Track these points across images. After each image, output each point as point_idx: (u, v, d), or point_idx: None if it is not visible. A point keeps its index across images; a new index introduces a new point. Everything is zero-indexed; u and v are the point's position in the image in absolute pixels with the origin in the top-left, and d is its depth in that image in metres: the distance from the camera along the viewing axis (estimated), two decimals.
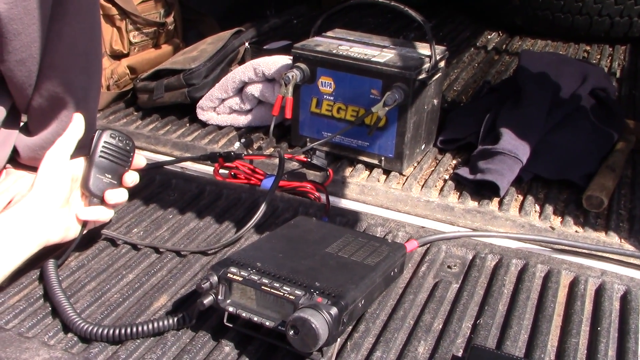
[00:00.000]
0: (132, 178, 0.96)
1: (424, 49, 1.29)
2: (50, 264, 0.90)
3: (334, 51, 1.27)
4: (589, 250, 1.04)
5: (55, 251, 0.93)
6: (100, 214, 0.93)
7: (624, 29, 2.07)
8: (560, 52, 2.05)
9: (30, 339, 0.80)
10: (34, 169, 1.13)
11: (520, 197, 1.20)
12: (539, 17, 2.13)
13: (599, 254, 1.03)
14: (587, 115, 1.37)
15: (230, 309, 0.78)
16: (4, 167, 1.12)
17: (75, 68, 1.04)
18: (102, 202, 0.93)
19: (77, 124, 0.94)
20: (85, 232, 0.94)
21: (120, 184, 0.95)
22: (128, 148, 0.95)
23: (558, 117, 1.34)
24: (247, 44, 1.58)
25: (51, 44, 0.99)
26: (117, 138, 0.94)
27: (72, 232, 0.92)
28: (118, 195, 0.94)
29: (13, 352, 0.77)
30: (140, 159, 0.99)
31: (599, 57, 2.01)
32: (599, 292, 0.93)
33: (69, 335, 0.81)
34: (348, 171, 1.28)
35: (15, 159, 1.13)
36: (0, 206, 1.07)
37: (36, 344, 0.79)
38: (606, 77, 1.59)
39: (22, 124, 1.14)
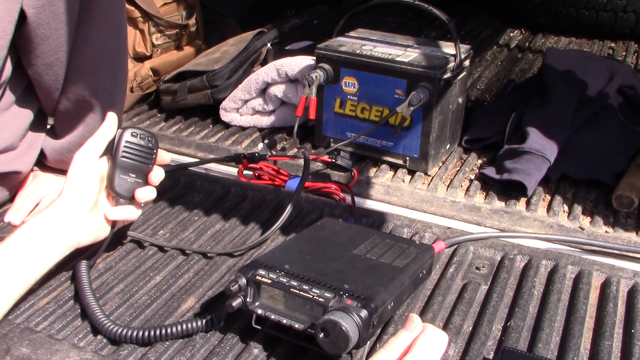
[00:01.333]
0: (158, 176, 0.95)
1: (448, 47, 1.28)
2: (83, 266, 0.90)
3: (358, 51, 1.26)
4: (620, 251, 1.02)
5: (86, 251, 0.93)
6: (129, 213, 0.93)
7: None
8: (585, 50, 2.03)
9: (60, 340, 0.80)
10: (60, 171, 1.14)
11: (548, 197, 1.18)
12: (563, 14, 2.10)
13: (631, 254, 1.02)
14: (615, 114, 1.35)
15: (259, 311, 0.78)
16: (32, 170, 1.14)
17: (101, 71, 1.05)
18: (130, 201, 0.93)
19: (109, 125, 0.91)
20: (114, 231, 0.94)
21: (145, 182, 0.94)
22: (151, 145, 0.93)
23: (586, 116, 1.32)
24: (269, 44, 1.58)
25: (78, 48, 1.00)
26: (138, 136, 0.92)
27: (103, 232, 0.92)
28: (147, 194, 0.93)
29: (44, 354, 0.78)
30: (165, 154, 0.98)
31: (624, 54, 1.98)
32: (632, 293, 0.91)
33: (99, 337, 0.81)
34: (372, 171, 1.27)
35: (42, 162, 1.15)
36: (28, 209, 1.08)
37: (66, 346, 0.79)
38: (634, 74, 1.56)
39: (48, 127, 1.16)
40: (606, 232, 1.08)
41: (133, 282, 0.93)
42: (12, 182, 1.09)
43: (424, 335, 0.68)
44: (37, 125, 1.10)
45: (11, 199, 1.11)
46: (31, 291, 0.89)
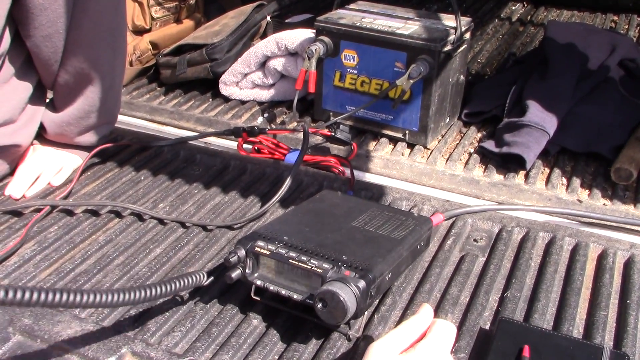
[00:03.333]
0: None
1: (448, 20, 1.27)
2: None
3: (358, 24, 1.25)
4: (617, 223, 1.03)
5: None
6: None
7: None
8: (587, 23, 2.01)
9: (62, 312, 0.81)
10: (60, 144, 1.15)
11: (547, 170, 1.18)
12: None
13: (628, 226, 1.02)
14: (615, 87, 1.34)
15: (258, 282, 0.79)
16: (31, 143, 1.14)
17: (100, 43, 1.04)
18: None
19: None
20: None
21: None
22: None
23: (586, 89, 1.32)
24: (269, 17, 1.57)
25: (76, 20, 0.99)
26: None
27: None
28: None
29: (46, 324, 0.78)
30: None
31: (626, 27, 1.96)
32: (628, 264, 0.92)
33: (100, 309, 0.82)
34: (372, 145, 1.27)
35: (42, 135, 1.15)
36: (29, 182, 1.09)
37: (68, 317, 0.80)
38: (635, 47, 1.55)
39: (48, 100, 1.15)
40: (604, 204, 1.08)
41: (133, 254, 0.94)
42: (12, 155, 1.09)
43: (437, 324, 0.68)
44: (37, 98, 1.10)
45: (11, 172, 1.11)
46: (33, 263, 0.90)
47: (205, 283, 0.82)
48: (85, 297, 0.68)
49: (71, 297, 0.66)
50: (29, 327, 0.78)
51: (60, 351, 0.75)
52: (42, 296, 0.63)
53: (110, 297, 0.70)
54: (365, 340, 0.77)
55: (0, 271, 0.89)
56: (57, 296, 0.65)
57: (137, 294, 0.72)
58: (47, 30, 0.98)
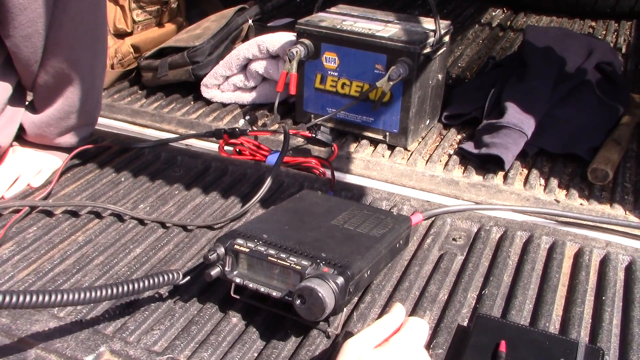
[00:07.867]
0: None
1: (428, 23, 1.29)
2: None
3: (338, 26, 1.26)
4: (593, 222, 1.04)
5: None
6: None
7: (629, 4, 2.05)
8: (566, 28, 2.04)
9: (39, 311, 0.81)
10: (40, 146, 1.14)
11: (525, 171, 1.20)
12: None
13: (604, 225, 1.04)
14: (592, 89, 1.36)
15: (237, 280, 0.79)
16: (11, 145, 1.13)
17: (80, 44, 1.04)
18: None
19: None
20: None
21: None
22: None
23: (563, 91, 1.33)
24: (250, 21, 1.58)
25: (56, 20, 0.99)
26: None
27: None
28: None
29: (23, 324, 0.78)
30: None
31: (604, 32, 1.99)
32: (604, 262, 0.93)
33: (79, 307, 0.82)
34: (353, 147, 1.28)
35: (21, 137, 1.14)
36: (7, 183, 1.08)
37: (46, 316, 0.80)
38: (612, 51, 1.58)
39: (27, 101, 1.15)
40: (581, 204, 1.10)
41: (113, 254, 0.94)
42: None
43: (410, 321, 0.69)
44: (16, 99, 1.10)
45: None
46: (11, 264, 0.90)
47: (182, 282, 0.82)
48: (47, 298, 0.68)
49: (28, 298, 0.67)
50: (7, 326, 0.78)
51: (38, 350, 0.75)
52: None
53: (77, 296, 0.71)
54: (344, 337, 0.78)
55: None
56: (14, 298, 0.66)
57: (106, 291, 0.73)
58: (26, 30, 0.97)
